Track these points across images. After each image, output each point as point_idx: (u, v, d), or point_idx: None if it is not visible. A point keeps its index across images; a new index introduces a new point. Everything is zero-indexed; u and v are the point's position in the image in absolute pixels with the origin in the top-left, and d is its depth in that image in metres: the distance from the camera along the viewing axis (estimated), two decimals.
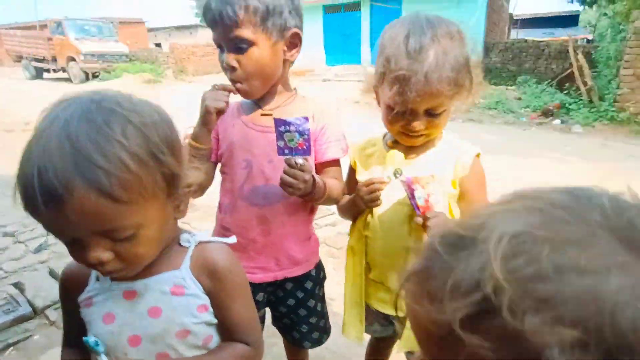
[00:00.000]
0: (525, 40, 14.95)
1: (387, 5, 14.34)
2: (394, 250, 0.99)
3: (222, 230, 1.12)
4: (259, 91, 1.02)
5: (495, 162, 5.08)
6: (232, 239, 0.75)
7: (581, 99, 8.29)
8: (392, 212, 0.99)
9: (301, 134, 0.89)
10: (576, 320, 0.26)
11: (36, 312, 2.03)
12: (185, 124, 0.88)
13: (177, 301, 0.66)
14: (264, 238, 1.08)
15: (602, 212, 0.31)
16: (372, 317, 1.12)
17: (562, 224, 0.31)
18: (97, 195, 0.50)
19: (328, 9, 15.82)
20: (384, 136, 1.10)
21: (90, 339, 0.63)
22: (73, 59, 15.68)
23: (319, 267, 1.21)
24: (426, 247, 0.37)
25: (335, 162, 1.10)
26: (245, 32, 0.92)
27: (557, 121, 7.63)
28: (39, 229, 3.06)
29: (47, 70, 17.40)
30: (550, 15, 24.86)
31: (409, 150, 1.02)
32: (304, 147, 0.90)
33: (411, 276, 0.36)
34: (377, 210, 1.01)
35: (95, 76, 15.91)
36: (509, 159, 5.18)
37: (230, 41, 0.94)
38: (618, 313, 0.26)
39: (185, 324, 0.66)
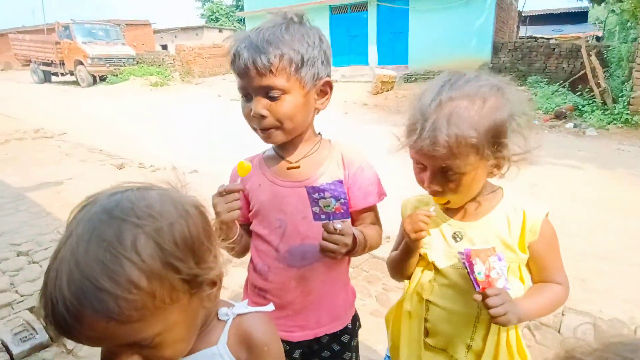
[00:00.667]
0: (536, 40, 14.66)
1: (393, 5, 14.17)
2: (461, 318, 0.92)
3: (257, 291, 1.07)
4: (285, 138, 0.97)
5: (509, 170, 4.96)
6: (270, 307, 0.73)
7: (594, 101, 8.09)
8: (457, 277, 0.90)
9: (337, 199, 0.84)
10: None
11: (53, 340, 1.97)
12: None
13: None
14: (303, 298, 1.03)
15: None
16: None
17: None
18: (106, 321, 0.50)
19: (335, 10, 15.69)
20: None
21: None
22: (81, 63, 15.77)
23: (355, 318, 1.16)
24: None
25: (372, 208, 1.06)
26: (279, 82, 0.89)
27: (570, 124, 7.44)
28: (53, 247, 3.04)
29: (55, 74, 17.53)
30: (559, 11, 24.46)
31: (469, 211, 0.93)
32: (342, 210, 0.86)
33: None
34: (439, 278, 0.93)
35: (102, 79, 16.00)
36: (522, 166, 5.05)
37: (261, 89, 0.90)
38: None
39: None
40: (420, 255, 0.96)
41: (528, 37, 17.37)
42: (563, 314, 2.12)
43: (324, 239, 0.88)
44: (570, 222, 3.36)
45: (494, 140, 0.80)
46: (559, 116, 7.77)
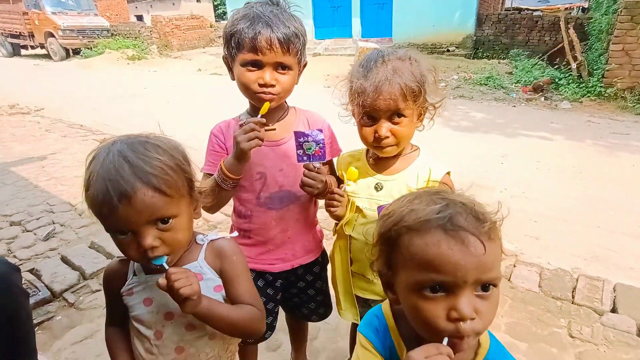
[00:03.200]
0: (519, 12, 14.65)
1: None
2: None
3: (242, 232, 1.25)
4: (277, 104, 1.17)
5: (482, 142, 5.17)
6: (234, 234, 1.01)
7: (570, 74, 8.31)
8: (372, 218, 1.12)
9: (317, 143, 1.06)
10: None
11: (55, 296, 2.14)
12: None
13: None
14: (282, 234, 1.25)
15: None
16: (355, 301, 1.29)
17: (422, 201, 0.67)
18: (152, 191, 0.75)
19: None
20: (367, 152, 1.21)
21: (156, 260, 0.80)
22: (52, 35, 15.01)
23: (324, 253, 1.42)
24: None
25: (329, 162, 1.29)
26: (291, 59, 1.10)
27: (546, 97, 7.68)
28: (45, 217, 3.13)
29: (25, 47, 16.67)
30: None
31: (390, 166, 1.15)
32: (320, 153, 1.07)
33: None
34: (361, 217, 1.16)
35: (76, 52, 15.33)
36: (496, 138, 5.26)
37: (275, 64, 1.09)
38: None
39: None
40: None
41: (513, 9, 17.30)
42: (514, 266, 2.38)
43: (304, 175, 1.09)
44: (533, 188, 3.63)
45: (422, 88, 1.03)
46: (537, 89, 7.99)
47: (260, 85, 1.09)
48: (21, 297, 1.28)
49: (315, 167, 1.09)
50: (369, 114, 1.06)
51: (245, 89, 1.12)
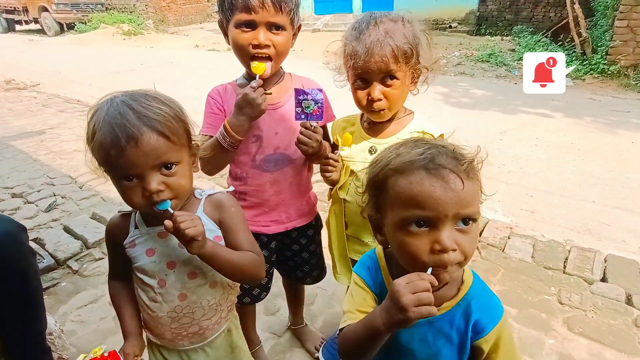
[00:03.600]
0: None
1: None
2: None
3: (237, 194, 1.27)
4: (275, 68, 1.18)
5: (482, 118, 5.14)
6: (231, 189, 1.03)
7: (574, 51, 8.18)
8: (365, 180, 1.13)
9: (316, 102, 1.08)
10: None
11: (59, 264, 2.21)
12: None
13: None
14: (276, 197, 1.28)
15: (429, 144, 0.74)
16: (350, 265, 1.33)
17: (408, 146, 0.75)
18: (157, 135, 0.79)
19: None
20: (362, 116, 1.22)
21: (161, 205, 0.84)
22: (45, 9, 14.65)
23: (317, 217, 1.45)
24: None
25: (324, 127, 1.31)
26: (284, 19, 1.11)
27: None
28: (46, 189, 3.15)
29: (19, 22, 16.29)
30: None
31: (384, 130, 1.16)
32: (318, 113, 1.09)
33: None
34: (355, 181, 1.17)
35: (70, 27, 14.99)
36: (496, 114, 5.24)
37: (269, 24, 1.09)
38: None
39: None
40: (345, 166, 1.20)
41: None
42: (509, 237, 2.43)
43: (300, 133, 1.11)
44: (532, 163, 3.65)
45: (415, 50, 1.03)
46: None
47: (255, 47, 1.09)
48: (29, 254, 1.32)
49: (312, 126, 1.11)
50: (361, 77, 1.06)
51: (240, 51, 1.13)
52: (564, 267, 2.19)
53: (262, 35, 1.09)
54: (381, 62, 1.01)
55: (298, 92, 1.09)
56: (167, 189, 0.82)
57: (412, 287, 0.63)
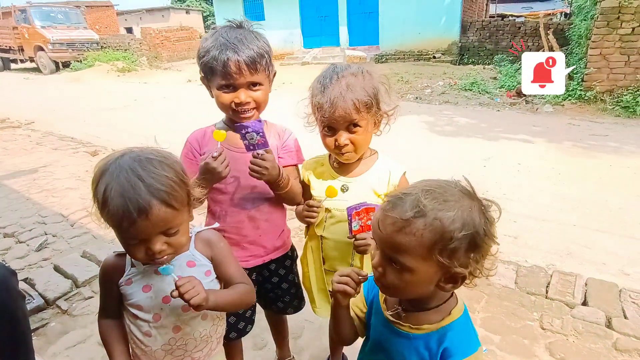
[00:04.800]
0: (502, 18, 15.06)
1: None
2: (343, 246, 1.28)
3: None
4: (258, 116, 1.31)
5: (466, 146, 5.32)
6: (216, 225, 1.13)
7: None
8: (340, 218, 1.24)
9: (257, 132, 1.17)
10: (453, 217, 0.74)
11: (48, 304, 2.22)
12: None
13: (191, 270, 1.01)
14: (254, 232, 1.37)
15: (455, 184, 0.80)
16: (330, 297, 1.40)
17: (441, 187, 0.78)
18: (165, 207, 0.86)
19: None
20: (330, 156, 1.34)
21: (162, 268, 0.92)
22: (41, 49, 15.06)
23: (293, 248, 1.55)
24: (389, 197, 0.81)
25: (294, 166, 1.41)
26: (260, 77, 1.23)
27: (528, 101, 7.90)
28: (37, 228, 3.17)
29: (14, 61, 16.69)
30: None
31: (352, 169, 1.28)
32: (262, 141, 1.18)
33: (384, 210, 0.79)
34: (330, 218, 1.27)
35: (66, 65, 15.36)
36: (479, 142, 5.42)
37: (248, 84, 1.21)
38: (465, 213, 0.76)
39: None
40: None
41: (497, 16, 17.77)
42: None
43: (251, 162, 1.20)
44: (514, 189, 3.77)
45: (374, 100, 1.15)
46: (520, 94, 8.21)
47: (237, 105, 1.22)
48: (19, 298, 1.36)
49: (259, 155, 1.19)
50: (328, 126, 1.18)
51: (224, 108, 1.26)
52: (546, 292, 2.24)
53: (242, 95, 1.21)
54: (344, 113, 1.12)
55: (239, 127, 1.17)
56: (168, 248, 0.91)
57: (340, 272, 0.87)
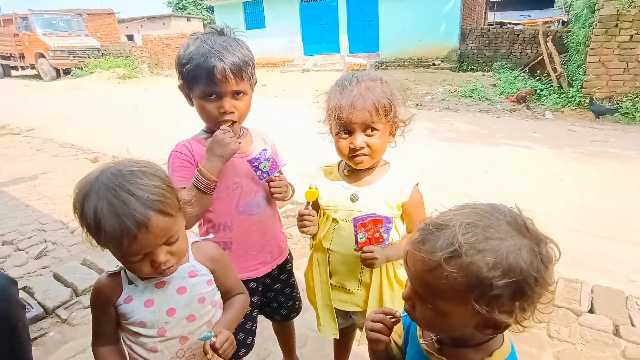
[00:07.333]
0: (501, 26, 15.18)
1: None
2: (351, 260, 1.21)
3: (222, 245, 1.29)
4: (239, 127, 1.30)
5: (467, 152, 5.32)
6: (211, 236, 1.12)
7: (551, 85, 8.61)
8: (349, 230, 1.17)
9: (267, 160, 1.24)
10: (495, 260, 0.61)
11: (48, 312, 2.18)
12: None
13: (194, 280, 1.00)
14: (262, 237, 1.35)
15: (504, 214, 0.68)
16: (336, 314, 1.33)
17: (485, 219, 0.66)
18: (162, 216, 0.84)
19: None
20: (339, 165, 1.29)
21: (203, 334, 0.92)
22: (42, 56, 15.13)
23: (289, 250, 1.55)
24: (421, 228, 0.70)
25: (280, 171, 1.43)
26: (244, 86, 1.22)
27: (528, 108, 7.92)
28: (37, 236, 3.13)
29: (15, 68, 16.75)
30: None
31: (362, 178, 1.23)
32: (274, 166, 1.25)
33: (414, 243, 0.70)
34: (338, 229, 1.22)
35: (67, 72, 15.41)
36: (481, 148, 5.42)
37: (232, 93, 1.19)
38: (510, 256, 0.62)
39: (202, 293, 1.01)
40: (325, 214, 1.27)
41: (495, 23, 17.93)
42: None
43: (271, 187, 1.27)
44: (517, 196, 3.75)
45: (392, 105, 1.15)
46: (520, 100, 8.25)
47: (221, 113, 1.20)
48: (18, 308, 1.33)
49: (276, 177, 1.26)
50: (345, 128, 1.14)
51: (208, 117, 1.22)
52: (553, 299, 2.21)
53: (227, 104, 1.18)
54: (363, 114, 1.10)
55: (251, 161, 1.22)
56: (172, 257, 0.90)
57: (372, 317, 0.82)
